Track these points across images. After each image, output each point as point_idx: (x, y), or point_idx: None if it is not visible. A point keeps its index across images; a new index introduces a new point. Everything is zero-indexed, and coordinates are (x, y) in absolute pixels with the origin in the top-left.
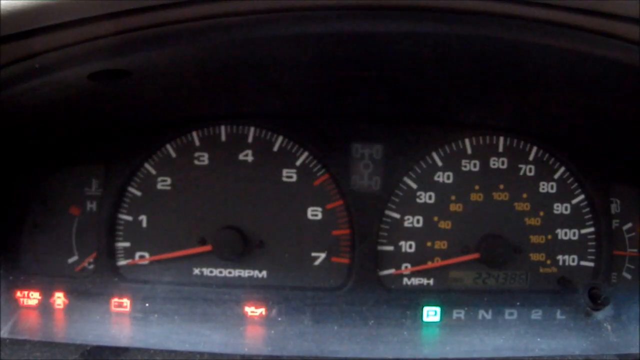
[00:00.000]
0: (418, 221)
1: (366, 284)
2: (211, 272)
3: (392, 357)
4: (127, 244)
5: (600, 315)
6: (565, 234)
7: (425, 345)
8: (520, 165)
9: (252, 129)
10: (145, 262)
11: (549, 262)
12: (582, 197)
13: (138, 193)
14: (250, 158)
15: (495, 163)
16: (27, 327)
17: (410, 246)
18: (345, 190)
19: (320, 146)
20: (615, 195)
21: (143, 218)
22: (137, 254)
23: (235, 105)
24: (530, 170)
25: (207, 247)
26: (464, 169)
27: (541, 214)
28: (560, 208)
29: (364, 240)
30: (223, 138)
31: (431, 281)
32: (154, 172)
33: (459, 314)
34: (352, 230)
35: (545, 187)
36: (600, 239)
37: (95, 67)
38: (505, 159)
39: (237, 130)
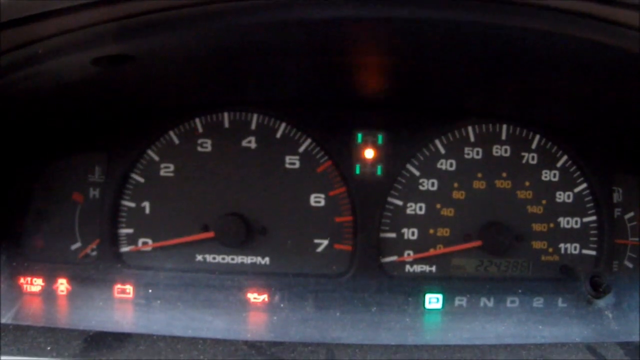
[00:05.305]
0: (420, 208)
1: (368, 271)
2: (214, 258)
3: (394, 344)
4: (130, 231)
5: (601, 303)
6: (568, 222)
7: (427, 331)
8: (523, 154)
9: (255, 116)
10: (148, 248)
11: (551, 250)
12: (584, 185)
13: (141, 180)
14: (253, 145)
15: (498, 151)
16: (30, 313)
17: (413, 233)
18: (348, 177)
19: (323, 133)
20: (618, 184)
21: (146, 204)
22: (140, 241)
23: (239, 92)
24: (532, 159)
25: (210, 234)
26: (466, 156)
27: (543, 202)
28: (562, 196)
29: (366, 228)
30: (226, 125)
31: (433, 268)
32: (156, 158)
33: (461, 301)
34: (355, 217)
35: (548, 175)
36: (602, 228)
37: (99, 52)
38: (508, 147)
39: (240, 117)
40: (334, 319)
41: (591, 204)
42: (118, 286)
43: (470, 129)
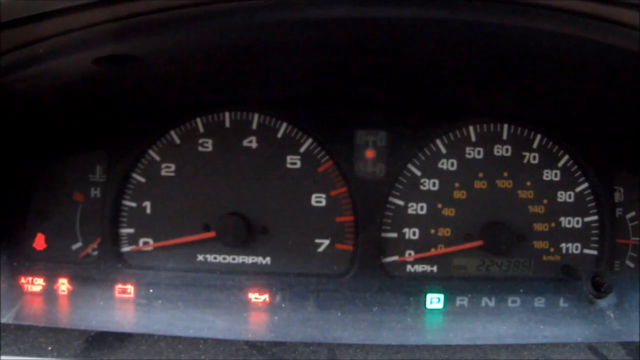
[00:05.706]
0: (422, 208)
1: (370, 270)
2: (215, 258)
3: (396, 344)
4: (131, 230)
5: (603, 303)
6: (569, 222)
7: (428, 331)
8: (524, 153)
9: (256, 116)
10: (149, 248)
11: (552, 250)
12: (585, 185)
13: (142, 179)
14: (254, 144)
15: (500, 151)
16: (31, 313)
17: (414, 233)
18: (349, 176)
19: (325, 133)
20: (619, 183)
21: (147, 204)
22: (141, 240)
23: (240, 92)
24: (534, 158)
25: (211, 234)
26: (468, 156)
27: (545, 201)
28: (563, 196)
29: (367, 227)
30: (227, 124)
31: (435, 268)
32: (157, 158)
33: (462, 301)
34: (356, 217)
35: (549, 175)
36: (604, 227)
37: (100, 52)
38: (509, 147)
39: (242, 116)
40: (335, 319)
41: (592, 204)
42: (119, 286)
43: (471, 128)
